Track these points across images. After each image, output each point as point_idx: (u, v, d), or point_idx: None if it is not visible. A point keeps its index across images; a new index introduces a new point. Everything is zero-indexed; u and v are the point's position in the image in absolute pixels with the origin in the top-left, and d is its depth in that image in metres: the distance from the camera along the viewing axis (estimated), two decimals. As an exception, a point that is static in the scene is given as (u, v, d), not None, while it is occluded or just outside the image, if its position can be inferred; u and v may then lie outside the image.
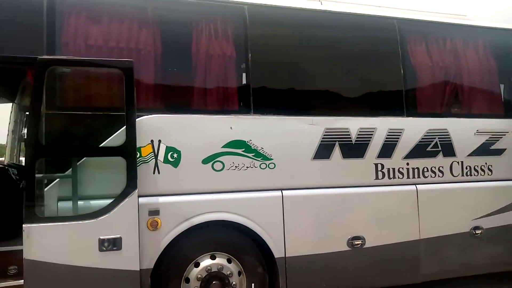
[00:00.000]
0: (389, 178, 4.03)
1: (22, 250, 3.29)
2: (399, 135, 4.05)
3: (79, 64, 3.19)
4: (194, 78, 3.65)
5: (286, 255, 3.61)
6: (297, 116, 3.81)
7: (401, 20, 4.32)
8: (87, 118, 3.35)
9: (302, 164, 3.74)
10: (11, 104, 5.25)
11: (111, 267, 3.06)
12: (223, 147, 3.52)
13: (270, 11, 3.90)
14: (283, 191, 3.67)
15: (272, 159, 3.63)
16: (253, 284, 3.54)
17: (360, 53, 4.20)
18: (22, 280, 3.15)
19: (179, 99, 3.70)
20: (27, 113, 5.40)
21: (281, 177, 3.66)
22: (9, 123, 5.26)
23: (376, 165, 3.98)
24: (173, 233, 3.35)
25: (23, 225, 2.93)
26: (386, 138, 4.00)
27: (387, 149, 4.01)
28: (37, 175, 3.02)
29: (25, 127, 5.42)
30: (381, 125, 4.00)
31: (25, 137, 5.38)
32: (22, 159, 5.34)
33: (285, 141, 3.71)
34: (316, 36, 4.08)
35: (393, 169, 4.04)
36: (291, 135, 3.74)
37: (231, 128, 3.56)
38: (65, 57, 3.14)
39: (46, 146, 3.10)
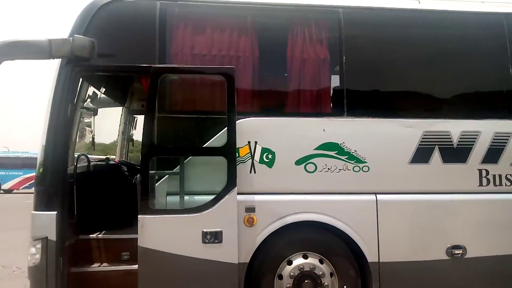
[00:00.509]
0: (495, 185, 3.74)
1: (133, 238, 3.72)
2: (507, 140, 3.75)
3: (187, 72, 3.52)
4: (289, 82, 3.78)
5: (380, 260, 3.55)
6: (392, 118, 3.72)
7: (510, 14, 3.98)
8: (192, 121, 3.67)
9: (398, 168, 3.65)
10: (121, 108, 5.88)
11: (212, 259, 3.30)
12: (315, 149, 3.58)
13: (365, 13, 3.87)
14: (377, 195, 3.61)
15: (365, 162, 3.59)
16: (345, 286, 3.54)
17: (462, 51, 3.97)
18: (136, 266, 3.57)
19: (274, 102, 3.85)
20: (135, 115, 6.05)
21: (375, 180, 3.61)
22: (120, 125, 5.92)
23: (480, 171, 3.72)
24: (267, 230, 3.50)
25: (138, 216, 3.30)
26: (492, 142, 3.72)
27: (493, 154, 3.73)
28: (150, 172, 3.38)
29: (133, 129, 6.08)
30: (486, 128, 3.73)
31: (132, 137, 6.07)
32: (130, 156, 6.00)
33: (379, 144, 3.65)
34: (413, 36, 3.95)
35: (500, 175, 3.75)
36: (386, 138, 3.67)
37: (324, 130, 3.60)
38: (175, 66, 3.49)
39: (158, 146, 3.45)
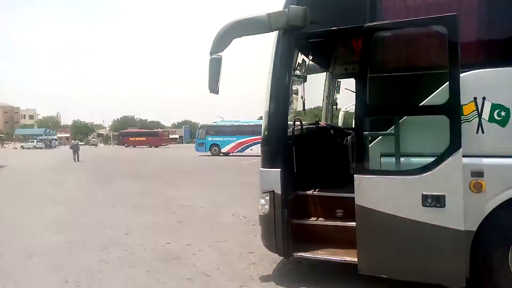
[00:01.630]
0: None
1: (346, 197, 3.90)
2: None
3: (403, 27, 3.31)
4: None
5: None
6: None
7: None
8: (408, 78, 3.48)
9: None
10: (325, 73, 6.09)
11: (434, 223, 3.15)
12: None
13: None
14: None
15: None
16: None
17: None
18: (350, 223, 3.75)
19: (507, 49, 3.26)
20: (338, 80, 6.18)
21: None
22: (324, 90, 6.16)
23: None
24: (501, 197, 3.10)
25: (354, 176, 3.41)
26: None
27: None
28: (364, 133, 3.42)
29: (337, 93, 6.25)
30: None
31: (336, 101, 6.23)
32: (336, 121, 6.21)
33: None
34: None
35: None
36: None
37: None
38: (389, 22, 3.33)
39: (372, 107, 3.44)
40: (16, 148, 54.91)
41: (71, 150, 27.25)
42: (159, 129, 71.28)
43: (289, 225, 3.91)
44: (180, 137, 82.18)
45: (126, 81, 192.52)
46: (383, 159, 3.43)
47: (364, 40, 3.36)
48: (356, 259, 3.51)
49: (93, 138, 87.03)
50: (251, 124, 29.77)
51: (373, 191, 3.36)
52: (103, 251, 5.25)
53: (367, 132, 3.45)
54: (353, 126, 3.78)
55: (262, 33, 3.83)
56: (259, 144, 4.17)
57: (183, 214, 7.74)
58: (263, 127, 4.00)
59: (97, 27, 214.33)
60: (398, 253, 3.35)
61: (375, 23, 3.37)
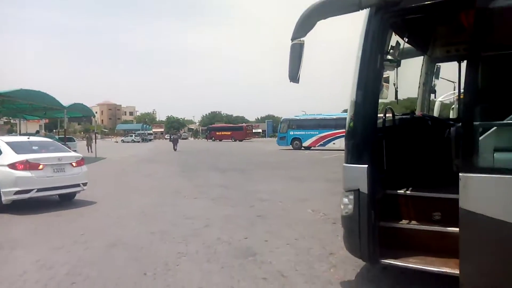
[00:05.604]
0: None
1: (445, 198, 3.33)
2: None
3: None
4: None
5: None
6: None
7: None
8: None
9: None
10: (423, 57, 5.38)
11: None
12: None
13: None
14: None
15: None
16: None
17: None
18: (450, 228, 3.19)
19: None
20: (438, 64, 5.44)
21: None
22: (420, 76, 5.45)
23: None
24: None
25: (460, 174, 2.85)
26: None
27: None
28: (474, 123, 2.83)
29: (436, 78, 5.49)
30: None
31: (435, 88, 5.49)
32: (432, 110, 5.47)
33: None
34: None
35: None
36: None
37: None
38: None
39: (485, 92, 2.85)
40: (117, 142, 60.50)
41: (171, 142, 32.41)
42: (243, 124, 73.15)
43: (376, 228, 3.46)
44: (263, 131, 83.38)
45: (216, 77, 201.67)
46: (497, 155, 2.82)
47: (478, 10, 2.76)
48: (457, 271, 2.97)
49: (184, 132, 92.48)
50: (333, 117, 28.99)
51: (483, 193, 2.78)
52: (182, 243, 5.29)
53: (478, 122, 2.85)
54: (458, 116, 3.17)
55: (351, 12, 3.41)
56: (342, 138, 3.76)
57: (262, 209, 7.60)
58: (348, 118, 3.58)
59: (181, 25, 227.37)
60: None
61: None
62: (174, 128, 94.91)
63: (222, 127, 68.33)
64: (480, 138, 2.86)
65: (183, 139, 72.56)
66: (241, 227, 6.16)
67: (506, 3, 2.81)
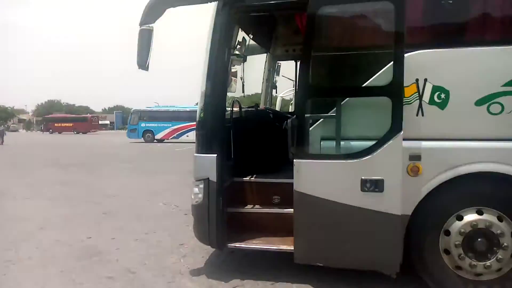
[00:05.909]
0: None
1: (283, 182, 3.70)
2: None
3: (349, 1, 3.13)
4: (470, 2, 3.09)
5: None
6: None
7: None
8: (351, 58, 3.32)
9: None
10: (266, 54, 5.82)
11: (372, 208, 3.05)
12: (504, 85, 2.92)
13: None
14: None
15: None
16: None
17: None
18: (287, 209, 3.57)
19: (450, 30, 3.21)
20: (278, 62, 5.95)
21: None
22: (264, 72, 5.89)
23: None
24: (435, 181, 3.07)
25: (294, 160, 3.20)
26: None
27: None
28: (305, 115, 3.21)
29: (277, 75, 6.01)
30: None
31: (276, 84, 6.01)
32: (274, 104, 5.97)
33: None
34: None
35: None
36: None
37: (516, 62, 2.89)
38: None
39: (314, 88, 3.24)
40: None
41: None
42: (88, 114, 67.02)
43: (224, 215, 3.62)
44: (112, 123, 78.11)
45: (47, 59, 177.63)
46: (324, 143, 3.25)
47: (308, 15, 3.12)
48: (292, 248, 3.34)
49: (13, 123, 79.72)
50: (187, 109, 28.70)
51: (312, 176, 3.18)
52: (11, 250, 4.56)
53: (308, 115, 3.24)
54: (293, 109, 3.56)
55: (199, 3, 3.46)
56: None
57: (109, 205, 7.11)
58: (198, 109, 3.62)
59: None
60: (335, 241, 3.23)
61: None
62: (1, 118, 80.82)
63: (62, 118, 60.93)
64: (310, 128, 3.25)
65: (12, 131, 62.47)
66: (84, 226, 5.64)
67: (332, 11, 3.25)
